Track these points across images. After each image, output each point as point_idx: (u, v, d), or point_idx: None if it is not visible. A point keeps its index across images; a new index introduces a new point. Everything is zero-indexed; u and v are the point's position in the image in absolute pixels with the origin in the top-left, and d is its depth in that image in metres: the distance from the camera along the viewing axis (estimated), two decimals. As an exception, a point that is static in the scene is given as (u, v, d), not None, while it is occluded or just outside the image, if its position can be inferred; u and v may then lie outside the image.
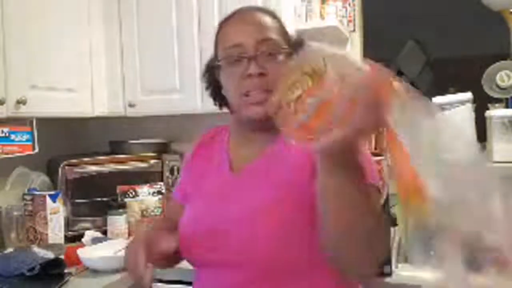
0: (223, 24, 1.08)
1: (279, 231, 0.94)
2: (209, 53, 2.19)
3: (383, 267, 1.53)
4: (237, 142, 1.12)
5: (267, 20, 1.05)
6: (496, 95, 2.04)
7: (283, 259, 0.94)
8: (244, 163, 1.07)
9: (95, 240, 1.88)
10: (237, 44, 1.02)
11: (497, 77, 2.00)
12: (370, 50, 2.42)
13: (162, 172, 2.27)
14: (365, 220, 0.78)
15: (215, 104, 1.17)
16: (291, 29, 1.12)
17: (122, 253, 1.70)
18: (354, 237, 0.79)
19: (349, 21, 2.24)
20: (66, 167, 2.06)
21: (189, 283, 1.65)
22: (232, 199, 1.03)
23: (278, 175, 1.01)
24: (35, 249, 1.68)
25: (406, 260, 1.65)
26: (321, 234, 0.83)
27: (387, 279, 1.54)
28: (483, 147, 2.04)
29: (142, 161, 2.24)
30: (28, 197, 1.90)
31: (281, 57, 1.02)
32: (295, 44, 1.07)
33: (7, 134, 1.77)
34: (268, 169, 1.03)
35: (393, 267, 1.56)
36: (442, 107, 1.99)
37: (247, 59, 1.01)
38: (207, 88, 1.16)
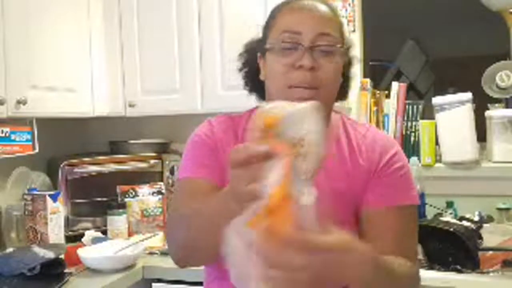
0: (283, 7, 1.03)
1: None
2: (209, 53, 2.20)
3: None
4: None
5: (330, 14, 1.01)
6: (496, 95, 2.04)
7: None
8: None
9: (95, 240, 1.88)
10: (296, 31, 0.97)
11: (497, 77, 2.00)
12: (370, 50, 2.42)
13: (162, 172, 2.27)
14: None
15: (245, 89, 1.12)
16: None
17: (122, 253, 1.71)
18: None
19: (349, 21, 2.24)
20: (66, 167, 2.06)
21: (189, 283, 1.66)
22: None
23: (334, 188, 0.99)
24: (35, 249, 1.67)
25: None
26: None
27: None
28: (483, 147, 2.05)
29: (142, 161, 2.24)
30: (28, 197, 1.89)
31: (335, 56, 0.99)
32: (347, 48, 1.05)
33: (7, 134, 1.76)
34: (324, 181, 0.97)
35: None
36: (442, 107, 2.00)
37: (303, 49, 0.96)
38: (241, 69, 1.11)
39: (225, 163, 0.95)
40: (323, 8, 1.01)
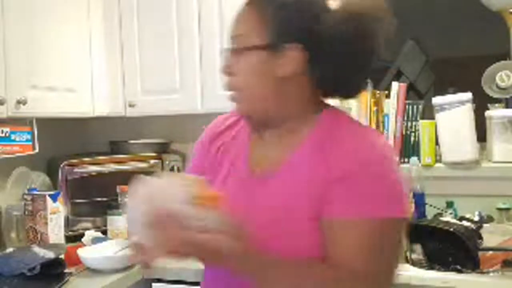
0: None
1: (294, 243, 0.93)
2: (209, 53, 2.20)
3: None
4: (256, 139, 1.05)
5: (246, 13, 0.98)
6: (496, 95, 2.04)
7: None
8: (261, 165, 1.01)
9: (95, 240, 1.88)
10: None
11: (497, 77, 2.00)
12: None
13: (162, 172, 2.27)
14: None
15: None
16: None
17: (122, 253, 1.71)
18: None
19: (349, 21, 2.24)
20: (66, 167, 2.06)
21: (189, 283, 1.66)
22: (255, 204, 0.97)
23: (296, 190, 0.95)
24: (35, 249, 1.68)
25: (406, 260, 1.65)
26: None
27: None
28: (483, 147, 2.05)
29: (142, 161, 2.24)
30: (28, 197, 1.89)
31: (246, 56, 0.96)
32: (286, 33, 0.93)
33: (7, 134, 1.77)
34: (289, 179, 0.96)
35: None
36: (442, 107, 2.00)
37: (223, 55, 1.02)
38: None
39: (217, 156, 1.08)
40: (245, 8, 0.99)
